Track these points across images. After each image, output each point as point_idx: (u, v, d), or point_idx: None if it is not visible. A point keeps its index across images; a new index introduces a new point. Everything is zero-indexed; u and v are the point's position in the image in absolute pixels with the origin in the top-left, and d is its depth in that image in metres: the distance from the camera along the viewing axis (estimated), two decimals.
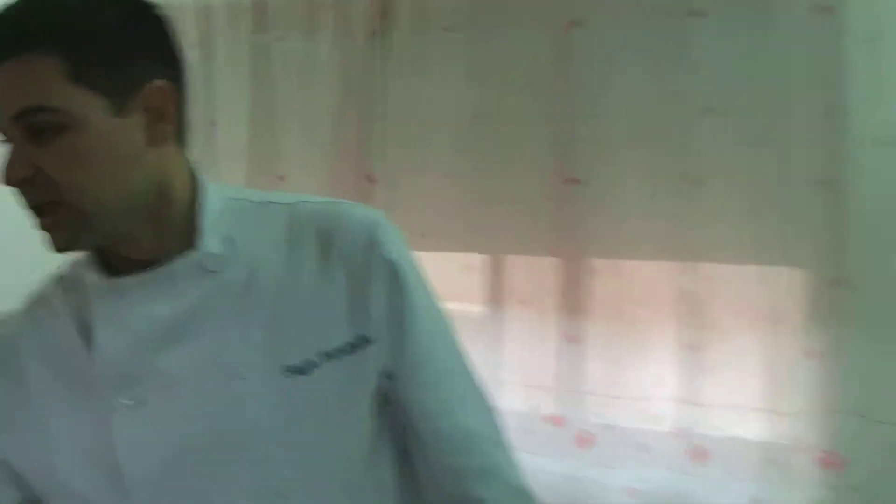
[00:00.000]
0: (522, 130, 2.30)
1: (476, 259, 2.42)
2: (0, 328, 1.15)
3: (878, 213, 1.98)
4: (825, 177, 2.02)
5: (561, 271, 2.29)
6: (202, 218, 1.09)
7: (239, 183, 2.52)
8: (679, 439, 2.18)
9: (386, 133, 2.44)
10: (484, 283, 2.40)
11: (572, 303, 2.28)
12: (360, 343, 1.10)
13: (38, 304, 1.15)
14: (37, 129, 0.96)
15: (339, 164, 2.47)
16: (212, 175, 1.14)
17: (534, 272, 2.33)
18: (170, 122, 1.05)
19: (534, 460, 2.13)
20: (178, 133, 1.08)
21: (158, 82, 1.03)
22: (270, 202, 1.17)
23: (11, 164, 0.98)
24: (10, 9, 0.97)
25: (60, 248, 1.02)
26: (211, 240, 1.09)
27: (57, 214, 0.99)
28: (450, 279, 2.27)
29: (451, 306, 1.25)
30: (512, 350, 2.35)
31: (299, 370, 1.07)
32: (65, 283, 1.14)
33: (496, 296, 2.39)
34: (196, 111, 1.12)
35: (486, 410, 1.23)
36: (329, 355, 1.09)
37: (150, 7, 1.05)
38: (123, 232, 1.05)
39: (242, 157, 2.57)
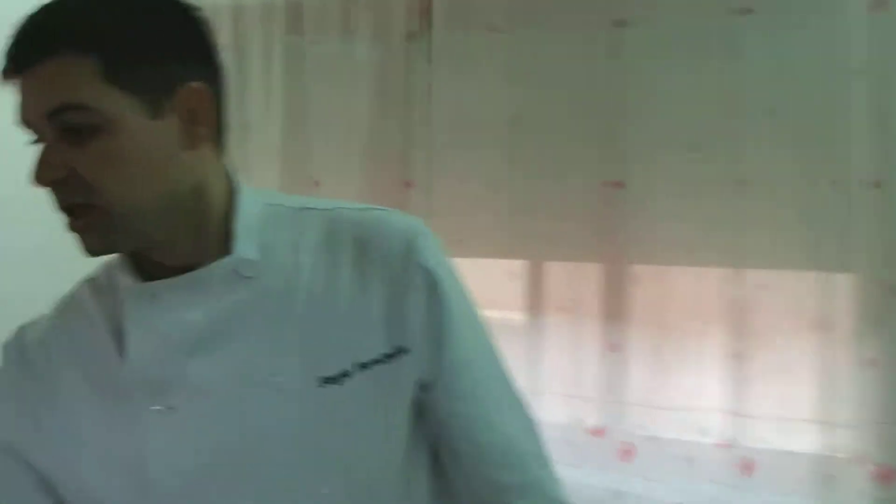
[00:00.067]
0: (565, 133, 2.29)
1: (515, 265, 2.41)
2: (32, 332, 1.15)
3: None
4: (878, 178, 2.00)
5: (603, 277, 2.28)
6: (238, 223, 1.09)
7: (272, 188, 2.52)
8: (725, 452, 2.15)
9: (425, 137, 2.44)
10: (523, 290, 2.40)
11: (614, 310, 2.26)
12: (396, 353, 1.09)
13: (71, 307, 1.15)
14: (71, 128, 0.96)
15: (375, 168, 2.48)
16: (243, 180, 1.14)
17: (575, 278, 2.32)
18: (206, 124, 1.04)
19: (574, 473, 2.17)
20: (215, 136, 1.08)
21: (195, 84, 1.02)
22: (307, 208, 1.16)
23: (44, 163, 0.98)
24: (46, 8, 0.98)
25: (91, 250, 1.01)
26: (246, 245, 1.08)
27: (89, 217, 0.99)
28: (488, 286, 2.24)
29: (489, 314, 1.25)
30: (552, 359, 2.34)
31: (334, 380, 1.06)
32: (98, 287, 1.14)
33: (535, 303, 2.38)
34: (228, 114, 1.12)
35: (526, 423, 1.21)
36: (364, 366, 1.07)
37: (188, 8, 1.05)
38: (157, 237, 1.04)
39: (275, 162, 2.58)
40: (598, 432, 2.28)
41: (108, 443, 1.07)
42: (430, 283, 1.10)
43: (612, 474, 2.25)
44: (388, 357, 1.09)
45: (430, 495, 1.18)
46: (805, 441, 2.08)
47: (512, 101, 2.34)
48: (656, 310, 2.24)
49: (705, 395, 2.17)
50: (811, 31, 2.05)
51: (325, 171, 2.53)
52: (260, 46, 2.58)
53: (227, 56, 2.45)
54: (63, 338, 1.12)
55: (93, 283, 1.15)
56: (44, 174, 0.97)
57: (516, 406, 1.21)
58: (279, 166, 2.57)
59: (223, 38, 2.57)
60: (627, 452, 2.25)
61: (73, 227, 1.00)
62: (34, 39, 0.96)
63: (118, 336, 1.07)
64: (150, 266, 1.08)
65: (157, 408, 1.04)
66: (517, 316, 2.38)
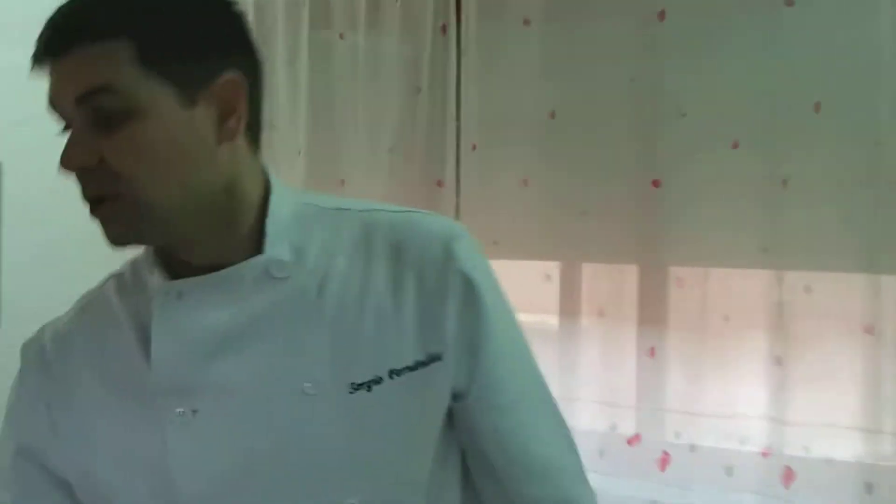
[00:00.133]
0: (602, 130, 2.27)
1: (549, 267, 2.40)
2: (52, 331, 1.15)
3: None
4: None
5: (640, 280, 2.27)
6: (270, 222, 1.07)
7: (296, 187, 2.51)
8: (767, 460, 2.11)
9: (457, 134, 2.43)
10: (557, 293, 2.39)
11: (651, 313, 2.25)
12: (430, 361, 1.08)
13: (95, 305, 1.15)
14: (102, 114, 0.95)
15: (405, 167, 2.48)
16: None
17: (612, 281, 2.30)
18: (241, 117, 1.03)
19: (611, 483, 2.14)
20: (251, 131, 1.06)
21: (230, 75, 1.01)
22: (342, 209, 1.15)
23: (72, 148, 0.97)
24: None
25: (114, 240, 1.00)
26: (279, 246, 1.07)
27: (115, 205, 0.98)
28: (523, 289, 2.24)
29: (524, 317, 1.23)
30: (588, 364, 2.32)
31: (365, 387, 1.05)
32: (123, 284, 1.14)
33: (572, 306, 2.37)
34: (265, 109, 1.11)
35: (563, 439, 1.20)
36: (397, 373, 1.06)
37: None
38: (185, 232, 1.03)
39: (300, 160, 2.58)
40: (635, 440, 2.26)
41: (129, 444, 1.06)
42: (468, 290, 1.09)
43: (649, 483, 2.22)
44: (422, 364, 1.07)
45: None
46: (851, 449, 2.04)
47: (546, 97, 2.31)
48: (695, 313, 2.21)
49: (745, 402, 2.14)
50: (853, 22, 2.01)
51: (351, 170, 2.53)
52: (285, 41, 2.59)
53: None
54: (85, 337, 1.12)
55: (118, 280, 1.14)
56: (72, 158, 0.96)
57: (554, 421, 1.20)
58: (304, 164, 2.57)
59: None
60: (666, 461, 2.22)
61: (97, 213, 0.99)
62: (69, 24, 0.96)
63: (143, 335, 1.06)
64: (176, 265, 1.07)
65: (181, 410, 1.03)
66: (551, 319, 2.38)
